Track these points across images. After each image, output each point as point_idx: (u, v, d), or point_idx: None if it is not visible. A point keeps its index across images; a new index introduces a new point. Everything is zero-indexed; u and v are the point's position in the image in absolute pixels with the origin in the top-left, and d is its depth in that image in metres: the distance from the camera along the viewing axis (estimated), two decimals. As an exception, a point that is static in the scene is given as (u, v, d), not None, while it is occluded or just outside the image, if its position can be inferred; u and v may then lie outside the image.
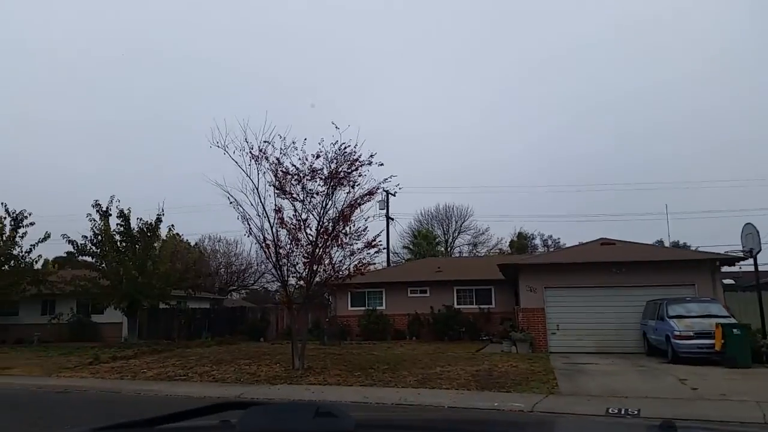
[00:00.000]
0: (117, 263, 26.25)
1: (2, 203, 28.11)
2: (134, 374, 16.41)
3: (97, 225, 26.76)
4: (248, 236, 15.79)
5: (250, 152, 15.03)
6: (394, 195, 43.96)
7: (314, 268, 15.90)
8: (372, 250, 18.39)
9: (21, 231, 28.31)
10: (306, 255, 16.08)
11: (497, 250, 58.65)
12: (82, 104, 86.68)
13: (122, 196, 46.74)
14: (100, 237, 26.71)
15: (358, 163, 15.29)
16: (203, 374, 15.83)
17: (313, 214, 15.95)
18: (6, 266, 27.86)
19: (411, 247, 58.78)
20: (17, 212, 28.18)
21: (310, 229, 15.95)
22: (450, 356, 18.27)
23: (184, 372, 16.37)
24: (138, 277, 26.30)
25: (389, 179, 16.55)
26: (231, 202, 15.51)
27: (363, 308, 29.07)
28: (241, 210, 15.61)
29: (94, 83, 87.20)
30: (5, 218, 28.08)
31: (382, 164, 16.26)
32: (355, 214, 16.41)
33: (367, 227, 17.65)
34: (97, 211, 26.74)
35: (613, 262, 20.79)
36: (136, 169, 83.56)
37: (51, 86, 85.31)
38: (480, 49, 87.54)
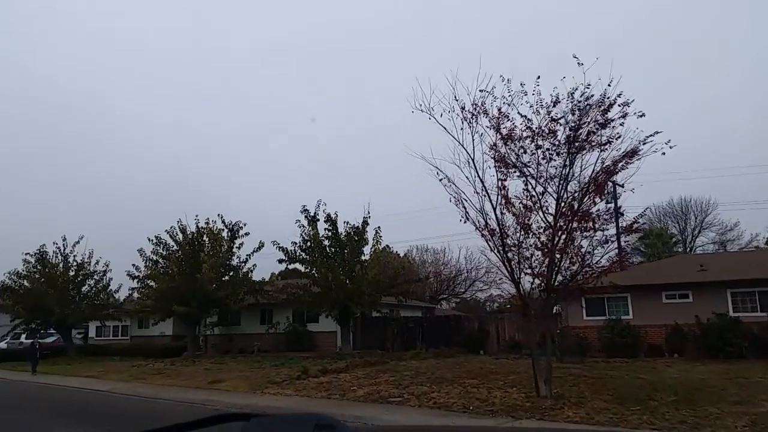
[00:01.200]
0: (326, 269, 24.86)
1: (219, 215, 28.77)
2: (343, 392, 13.90)
3: (306, 231, 25.84)
4: (465, 222, 12.30)
5: (462, 110, 11.54)
6: (622, 186, 38.09)
7: (556, 261, 11.78)
8: (630, 237, 13.77)
9: (237, 242, 28.68)
10: (541, 244, 12.05)
11: (752, 249, 47.88)
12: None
13: (327, 200, 47.00)
14: (309, 243, 25.71)
15: (619, 108, 10.86)
16: (421, 396, 12.64)
17: (549, 188, 11.90)
18: (226, 276, 28.31)
19: (642, 248, 50.76)
20: (233, 223, 28.60)
21: (547, 209, 11.91)
22: (765, 383, 12.69)
23: (398, 392, 13.40)
24: (347, 282, 24.63)
25: (652, 137, 11.65)
26: (441, 179, 12.21)
27: (602, 318, 23.82)
28: (454, 188, 12.20)
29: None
30: (223, 230, 28.64)
31: (642, 115, 11.60)
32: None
33: (621, 206, 13.12)
34: (306, 216, 25.81)
35: None
36: (338, 172, 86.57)
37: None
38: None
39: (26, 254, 30.96)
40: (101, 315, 32.49)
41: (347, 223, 26.12)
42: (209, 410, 12.52)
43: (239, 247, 28.87)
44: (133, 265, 28.44)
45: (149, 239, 28.36)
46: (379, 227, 26.29)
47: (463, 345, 25.91)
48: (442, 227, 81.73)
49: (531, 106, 10.98)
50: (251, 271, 29.10)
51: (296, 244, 25.84)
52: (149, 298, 28.86)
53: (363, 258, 26.12)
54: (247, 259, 28.81)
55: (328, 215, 25.80)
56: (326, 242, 25.91)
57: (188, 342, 28.76)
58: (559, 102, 10.86)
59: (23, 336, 33.46)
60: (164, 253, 28.22)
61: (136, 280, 28.40)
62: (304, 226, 25.92)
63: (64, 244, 31.62)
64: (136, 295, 30.29)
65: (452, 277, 49.77)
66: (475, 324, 27.60)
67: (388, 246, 27.92)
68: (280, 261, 26.38)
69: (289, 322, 30.59)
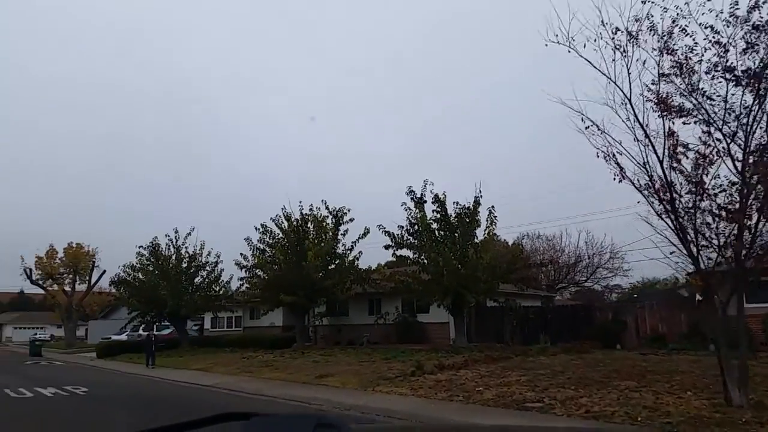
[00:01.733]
0: (436, 254, 22.76)
1: (323, 201, 27.55)
2: (467, 394, 11.78)
3: (412, 213, 23.92)
4: (620, 180, 9.71)
5: (614, 33, 8.94)
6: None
7: (750, 227, 8.92)
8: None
9: (342, 228, 27.34)
10: (718, 207, 9.18)
11: None
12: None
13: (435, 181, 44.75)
14: (416, 226, 23.76)
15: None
16: (567, 402, 10.22)
17: (737, 136, 9.01)
18: (332, 265, 27.07)
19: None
20: (337, 209, 27.28)
21: (734, 160, 9.05)
22: None
23: (535, 395, 11.06)
24: (460, 268, 22.40)
25: None
26: (587, 127, 9.68)
27: (766, 305, 19.92)
28: (604, 138, 9.64)
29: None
30: (327, 217, 27.43)
31: None
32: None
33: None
34: (412, 198, 23.86)
35: None
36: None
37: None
38: None
39: (140, 247, 31.52)
40: (213, 306, 32.56)
41: (456, 203, 23.92)
42: (312, 410, 10.92)
43: (344, 234, 27.53)
44: (241, 254, 27.97)
45: (255, 228, 27.70)
46: (492, 207, 23.79)
47: (595, 338, 22.86)
48: (555, 210, 77.09)
49: (717, 15, 8.14)
50: (357, 259, 27.67)
51: (402, 228, 24.03)
52: (257, 288, 28.30)
53: (475, 241, 23.79)
54: (352, 246, 27.39)
55: (436, 196, 23.66)
56: (434, 225, 23.83)
57: (297, 333, 27.88)
58: (759, 6, 7.97)
59: (141, 328, 34.36)
60: (270, 241, 27.45)
61: (243, 270, 27.92)
62: (410, 209, 23.98)
63: (176, 236, 31.91)
64: (245, 285, 29.93)
65: (571, 264, 45.87)
66: (609, 314, 24.36)
67: (496, 234, 25.28)
68: (387, 247, 24.62)
69: (398, 312, 28.94)
